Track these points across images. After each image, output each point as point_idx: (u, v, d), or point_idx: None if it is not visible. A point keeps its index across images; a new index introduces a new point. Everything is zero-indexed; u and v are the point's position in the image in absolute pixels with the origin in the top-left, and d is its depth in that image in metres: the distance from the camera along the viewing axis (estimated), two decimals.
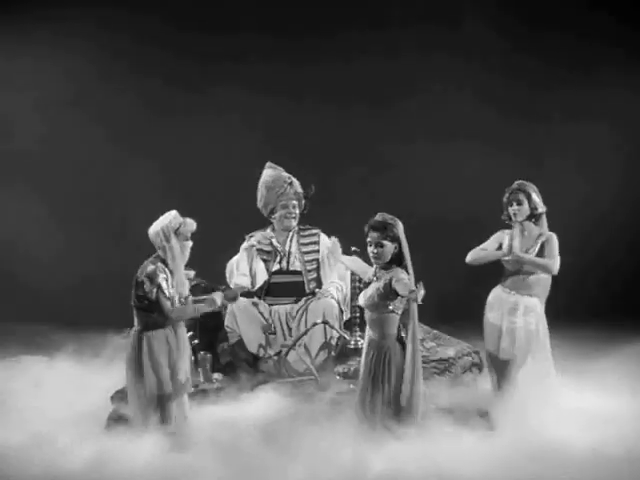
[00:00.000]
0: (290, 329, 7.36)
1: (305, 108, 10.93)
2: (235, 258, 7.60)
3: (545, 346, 6.72)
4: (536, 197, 6.74)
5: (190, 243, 6.17)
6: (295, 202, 7.52)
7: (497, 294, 6.81)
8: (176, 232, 6.10)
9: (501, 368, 6.70)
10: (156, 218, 6.19)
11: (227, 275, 7.61)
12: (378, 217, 5.98)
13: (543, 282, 6.75)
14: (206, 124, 10.96)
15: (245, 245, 7.59)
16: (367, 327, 6.01)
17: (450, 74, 10.95)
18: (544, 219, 6.79)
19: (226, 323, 7.36)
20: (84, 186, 11.03)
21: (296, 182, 7.56)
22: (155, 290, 5.98)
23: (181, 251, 6.11)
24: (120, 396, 6.73)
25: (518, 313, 6.69)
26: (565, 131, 10.95)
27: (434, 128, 10.87)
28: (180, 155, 10.93)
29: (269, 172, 7.59)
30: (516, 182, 6.80)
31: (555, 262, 6.70)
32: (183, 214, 6.26)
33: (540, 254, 6.71)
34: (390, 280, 5.81)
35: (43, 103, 10.98)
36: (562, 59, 10.89)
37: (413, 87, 10.93)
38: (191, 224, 6.18)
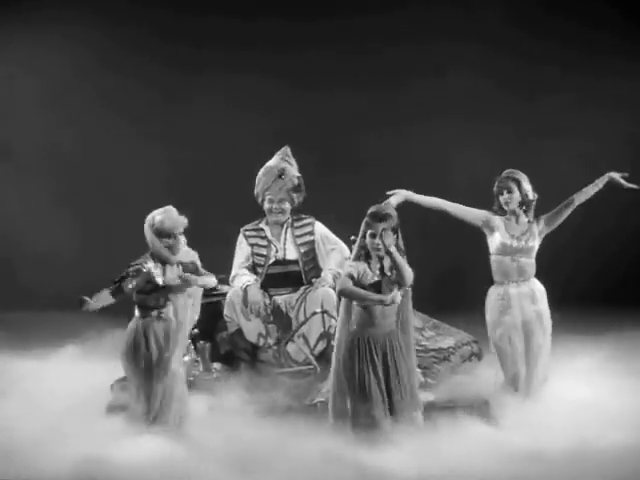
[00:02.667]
0: (289, 319, 7.35)
1: (307, 96, 10.92)
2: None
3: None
4: (526, 185, 6.63)
5: (171, 241, 6.07)
6: (282, 197, 7.36)
7: (502, 292, 6.61)
8: (151, 228, 6.09)
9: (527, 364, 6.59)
10: (153, 208, 6.20)
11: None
12: (378, 208, 5.94)
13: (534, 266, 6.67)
14: (205, 115, 10.97)
15: (240, 239, 7.56)
16: (351, 318, 5.92)
17: (453, 60, 10.94)
18: (532, 208, 6.69)
19: (225, 312, 7.35)
20: (86, 176, 11.05)
21: (289, 175, 7.40)
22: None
23: (162, 247, 6.08)
24: (120, 385, 6.76)
25: (536, 299, 6.59)
26: (568, 119, 10.94)
27: (432, 117, 10.86)
28: (179, 144, 10.94)
29: (271, 160, 7.54)
30: (505, 171, 6.68)
31: None
32: (181, 205, 6.23)
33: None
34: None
35: (45, 92, 10.99)
36: (571, 46, 10.87)
37: (412, 74, 10.92)
38: (169, 222, 6.07)
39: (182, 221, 6.14)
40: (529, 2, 10.93)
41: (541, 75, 10.96)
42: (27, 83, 11.08)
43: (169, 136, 11.00)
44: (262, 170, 7.49)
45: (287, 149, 7.57)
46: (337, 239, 7.41)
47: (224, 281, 7.52)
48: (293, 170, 7.47)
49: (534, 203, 6.69)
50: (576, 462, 5.64)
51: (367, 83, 11.02)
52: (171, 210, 6.16)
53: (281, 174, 7.39)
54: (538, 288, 6.64)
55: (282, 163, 7.47)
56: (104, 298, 6.01)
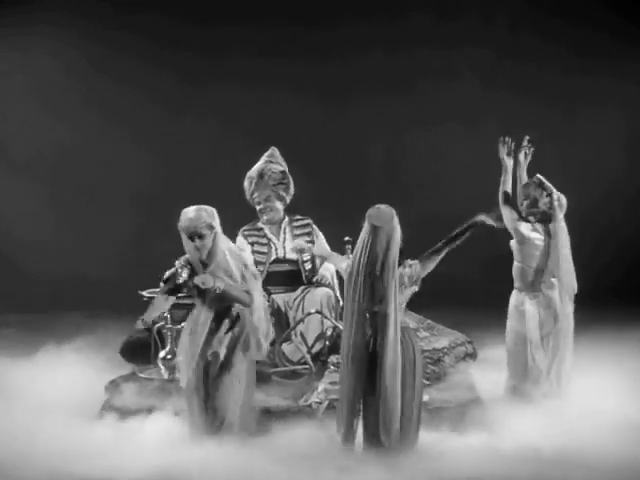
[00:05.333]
0: (288, 318, 7.38)
1: (303, 102, 10.95)
2: None
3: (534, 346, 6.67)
4: (551, 195, 6.56)
5: (196, 243, 5.83)
6: (268, 194, 7.37)
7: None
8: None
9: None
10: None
11: None
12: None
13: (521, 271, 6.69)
14: (205, 115, 11.02)
15: (239, 239, 7.56)
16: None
17: (451, 64, 10.96)
18: (559, 221, 6.60)
19: None
20: (84, 177, 11.10)
21: (269, 172, 7.37)
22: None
23: (187, 246, 5.90)
24: (113, 386, 6.82)
25: (517, 313, 6.69)
26: (568, 121, 10.97)
27: (432, 121, 10.88)
28: (178, 146, 10.98)
29: (254, 166, 7.52)
30: (536, 176, 6.65)
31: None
32: (180, 205, 6.24)
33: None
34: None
35: (39, 92, 11.04)
36: (573, 49, 10.89)
37: (409, 81, 10.95)
38: (184, 222, 5.85)
39: (193, 222, 5.82)
40: (534, 8, 10.93)
41: (545, 79, 10.99)
42: (22, 83, 11.13)
43: (168, 137, 11.03)
44: (246, 178, 7.53)
45: (273, 150, 7.55)
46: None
47: None
48: (274, 166, 7.44)
49: (555, 214, 6.59)
50: (567, 464, 5.68)
51: (374, 89, 11.04)
52: (190, 210, 5.92)
53: (260, 174, 7.40)
54: (526, 302, 6.67)
55: (262, 165, 7.47)
56: (159, 304, 5.94)
